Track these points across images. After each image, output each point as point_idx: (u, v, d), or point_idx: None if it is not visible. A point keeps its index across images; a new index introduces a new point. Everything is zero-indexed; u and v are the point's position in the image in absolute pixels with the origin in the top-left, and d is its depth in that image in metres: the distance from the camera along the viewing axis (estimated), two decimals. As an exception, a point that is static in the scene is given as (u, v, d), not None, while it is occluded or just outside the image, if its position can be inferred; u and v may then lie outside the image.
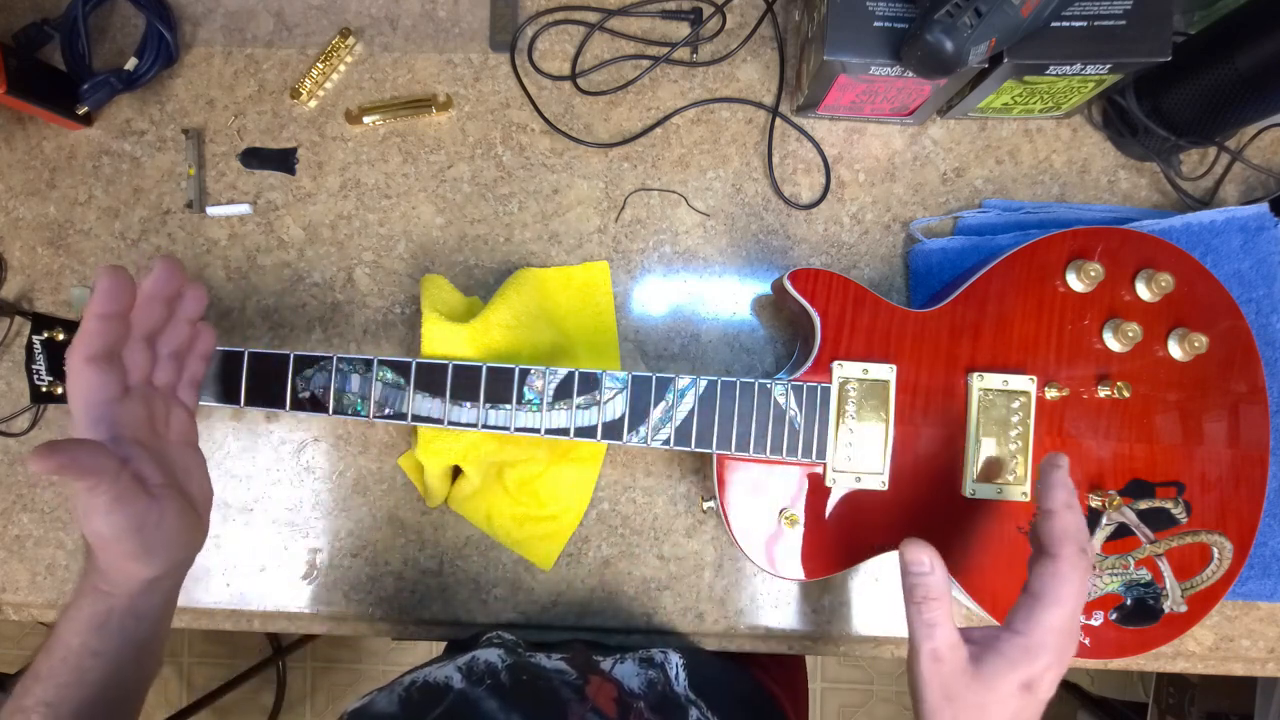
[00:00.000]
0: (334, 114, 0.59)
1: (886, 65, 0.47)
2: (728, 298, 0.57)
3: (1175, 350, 0.48)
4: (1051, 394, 0.48)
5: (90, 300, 0.37)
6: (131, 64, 0.57)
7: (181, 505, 0.40)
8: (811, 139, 0.57)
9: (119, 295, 0.37)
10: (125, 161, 0.59)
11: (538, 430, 0.46)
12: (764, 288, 0.57)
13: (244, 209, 0.58)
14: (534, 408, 0.46)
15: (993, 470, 0.47)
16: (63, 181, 0.59)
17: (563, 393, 0.46)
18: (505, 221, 0.58)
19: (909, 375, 0.48)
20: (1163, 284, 0.47)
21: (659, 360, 0.57)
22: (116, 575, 0.38)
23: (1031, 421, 0.48)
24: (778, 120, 0.57)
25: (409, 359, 0.47)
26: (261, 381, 0.47)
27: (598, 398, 0.46)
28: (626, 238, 0.58)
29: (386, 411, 0.47)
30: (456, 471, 0.54)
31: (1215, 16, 0.52)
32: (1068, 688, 1.28)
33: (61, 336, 0.50)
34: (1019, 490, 0.47)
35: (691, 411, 0.46)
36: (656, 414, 0.46)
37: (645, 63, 0.58)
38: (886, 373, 0.48)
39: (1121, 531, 0.48)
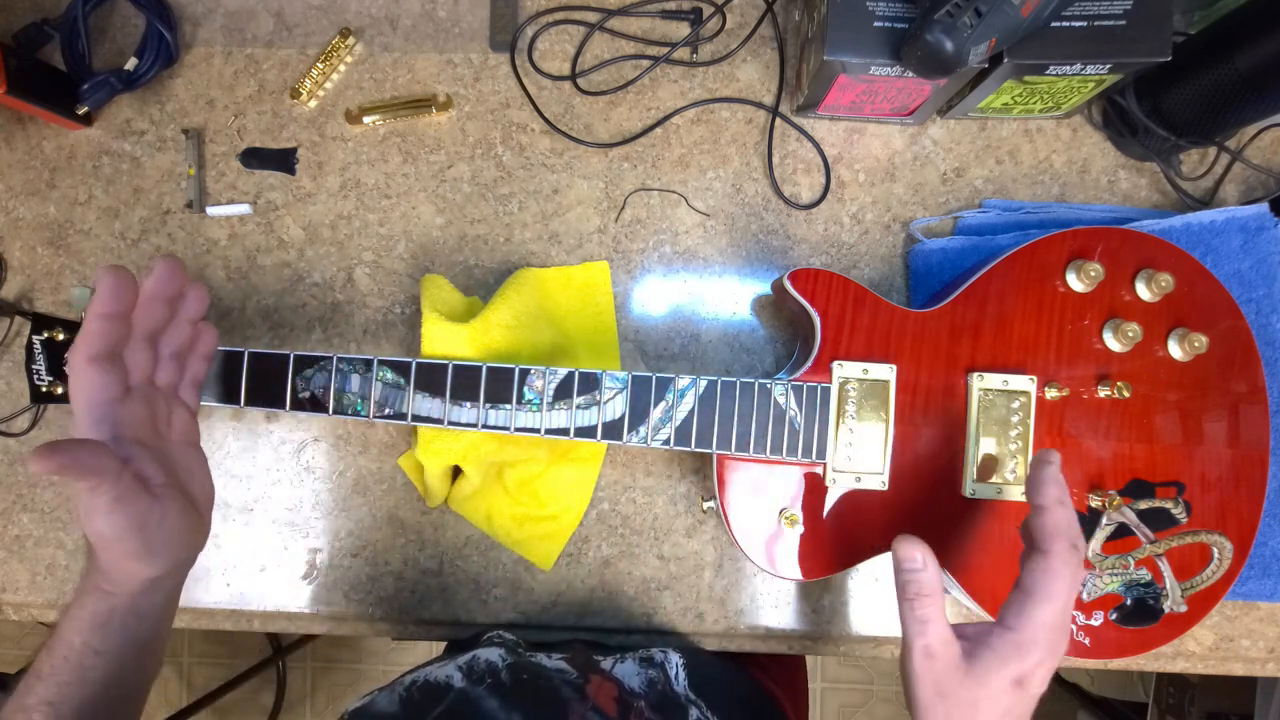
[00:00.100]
0: (334, 114, 0.59)
1: (886, 65, 0.48)
2: (728, 298, 0.57)
3: (1175, 350, 0.48)
4: (1051, 394, 0.48)
5: (92, 300, 0.37)
6: (131, 64, 0.57)
7: (183, 505, 0.40)
8: (811, 139, 0.57)
9: (121, 295, 0.38)
10: (125, 161, 0.59)
11: (538, 430, 0.46)
12: (764, 288, 0.57)
13: (244, 209, 0.58)
14: (534, 408, 0.46)
15: (988, 467, 0.47)
16: (63, 181, 0.59)
17: (563, 393, 0.46)
18: (505, 221, 0.58)
19: (909, 375, 0.48)
20: (1163, 284, 0.47)
21: (659, 360, 0.57)
22: (118, 575, 0.39)
23: (1031, 421, 0.48)
24: (778, 120, 0.57)
25: (409, 359, 0.47)
26: (261, 381, 0.47)
27: (598, 398, 0.46)
28: (626, 238, 0.58)
29: (386, 411, 0.47)
30: (456, 471, 0.54)
31: (1215, 16, 0.52)
32: (1068, 687, 1.28)
33: (61, 336, 0.50)
34: (1019, 490, 0.47)
35: (691, 411, 0.46)
36: (656, 414, 0.46)
37: (645, 63, 0.58)
38: (886, 373, 0.48)
39: (1121, 531, 0.48)
